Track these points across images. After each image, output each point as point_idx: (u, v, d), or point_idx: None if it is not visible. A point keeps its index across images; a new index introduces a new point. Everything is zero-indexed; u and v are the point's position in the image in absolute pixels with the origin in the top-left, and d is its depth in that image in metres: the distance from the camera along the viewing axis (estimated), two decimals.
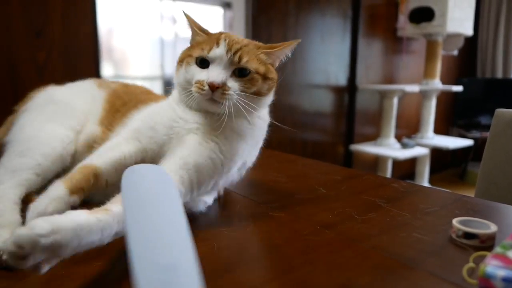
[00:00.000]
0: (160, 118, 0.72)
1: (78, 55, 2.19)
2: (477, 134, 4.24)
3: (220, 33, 0.72)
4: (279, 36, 3.11)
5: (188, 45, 0.76)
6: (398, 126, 3.81)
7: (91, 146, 0.79)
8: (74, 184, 0.60)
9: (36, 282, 0.50)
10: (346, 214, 0.75)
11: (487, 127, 4.42)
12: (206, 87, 0.66)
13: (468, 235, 0.61)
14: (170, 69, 4.90)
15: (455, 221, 0.64)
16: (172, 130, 0.70)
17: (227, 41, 0.68)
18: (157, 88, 5.00)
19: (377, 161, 3.71)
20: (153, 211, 0.40)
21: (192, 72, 0.69)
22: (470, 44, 4.52)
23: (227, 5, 5.33)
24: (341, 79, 3.65)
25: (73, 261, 0.47)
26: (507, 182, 1.17)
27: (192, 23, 0.74)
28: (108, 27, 3.77)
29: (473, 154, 4.41)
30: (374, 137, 3.77)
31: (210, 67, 0.68)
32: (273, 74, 0.73)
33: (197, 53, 0.69)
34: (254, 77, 0.69)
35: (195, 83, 0.68)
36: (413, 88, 3.45)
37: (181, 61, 0.73)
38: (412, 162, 3.85)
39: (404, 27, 3.71)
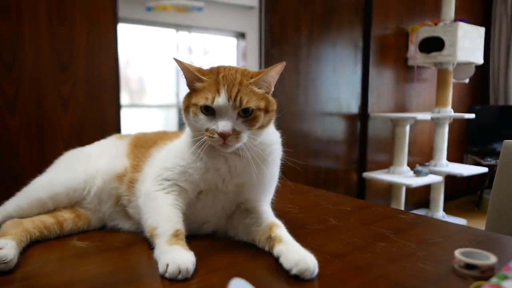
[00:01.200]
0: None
1: (100, 86, 2.30)
2: (492, 161, 4.21)
3: (218, 73, 0.75)
4: (291, 66, 3.21)
5: (187, 90, 0.80)
6: (411, 153, 3.82)
7: (121, 176, 0.89)
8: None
9: None
10: (355, 244, 0.79)
11: None
12: (216, 136, 0.72)
13: (469, 266, 0.66)
14: None
15: (457, 252, 0.68)
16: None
17: (225, 86, 0.73)
18: (172, 115, 5.14)
19: (390, 189, 3.71)
20: None
21: (201, 122, 0.75)
22: (482, 72, 4.56)
23: (241, 35, 5.50)
24: (353, 107, 3.71)
25: None
26: None
27: (187, 69, 0.76)
28: (126, 58, 3.94)
29: (488, 181, 4.36)
30: (387, 164, 3.79)
31: (217, 116, 0.73)
32: (273, 106, 0.79)
33: (201, 102, 0.74)
34: (257, 114, 0.75)
35: (206, 131, 0.74)
36: (425, 116, 3.48)
37: (186, 109, 0.78)
38: (426, 190, 3.84)
39: (415, 56, 3.77)
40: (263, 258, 0.73)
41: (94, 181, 0.89)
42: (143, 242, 0.83)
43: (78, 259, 0.73)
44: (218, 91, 0.73)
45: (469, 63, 3.72)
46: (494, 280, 0.55)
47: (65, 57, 2.15)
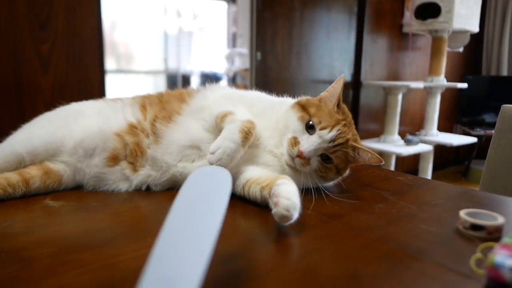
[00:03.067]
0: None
1: (82, 47, 2.18)
2: (481, 131, 4.22)
3: (344, 119, 0.80)
4: (284, 31, 3.10)
5: (323, 93, 0.85)
6: (402, 122, 3.79)
7: (133, 126, 0.85)
8: None
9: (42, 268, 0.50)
10: (352, 205, 0.74)
11: (491, 125, 4.40)
12: (296, 150, 0.76)
13: (475, 227, 0.61)
14: (173, 63, 4.89)
15: (462, 213, 0.64)
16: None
17: (339, 131, 0.77)
18: (161, 82, 4.99)
19: (381, 157, 3.70)
20: (189, 221, 0.43)
21: (298, 127, 0.78)
22: (476, 41, 4.49)
23: (231, 0, 5.29)
24: (346, 74, 3.64)
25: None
26: (511, 177, 1.17)
27: (340, 92, 0.82)
28: (111, 21, 3.76)
29: (476, 151, 4.39)
30: (378, 133, 3.76)
31: (311, 137, 0.77)
32: (345, 173, 0.83)
33: (314, 120, 0.78)
34: (331, 168, 0.79)
35: (293, 137, 0.78)
36: (418, 84, 3.44)
37: (300, 108, 0.81)
38: (415, 159, 3.84)
39: (410, 23, 3.68)
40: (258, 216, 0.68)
41: (78, 136, 0.82)
42: (123, 201, 0.77)
43: (50, 218, 0.66)
44: (332, 128, 0.77)
45: (465, 31, 3.64)
46: (507, 240, 0.50)
47: (42, 14, 2.02)
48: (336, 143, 0.76)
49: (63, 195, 0.79)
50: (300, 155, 0.75)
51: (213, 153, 0.69)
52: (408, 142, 3.41)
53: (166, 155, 0.81)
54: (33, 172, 0.77)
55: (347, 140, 0.78)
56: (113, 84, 4.26)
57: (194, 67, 5.17)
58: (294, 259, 0.54)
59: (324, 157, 0.78)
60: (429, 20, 3.47)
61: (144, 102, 0.89)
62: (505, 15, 4.44)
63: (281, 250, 0.57)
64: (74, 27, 2.13)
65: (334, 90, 0.83)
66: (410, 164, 4.04)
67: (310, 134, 0.77)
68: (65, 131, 0.83)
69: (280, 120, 0.82)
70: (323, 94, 0.85)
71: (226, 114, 0.77)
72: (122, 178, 0.83)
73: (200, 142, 0.81)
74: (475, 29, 3.59)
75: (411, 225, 0.65)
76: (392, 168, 3.53)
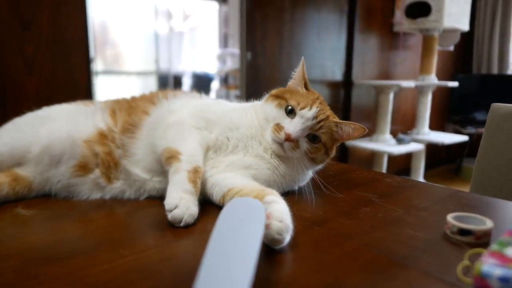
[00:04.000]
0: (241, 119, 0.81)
1: (68, 49, 2.14)
2: (472, 130, 4.23)
3: (317, 97, 0.80)
4: (274, 31, 3.07)
5: (290, 80, 0.85)
6: (393, 122, 3.79)
7: (102, 134, 0.81)
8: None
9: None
10: (337, 210, 0.72)
11: (482, 123, 4.40)
12: (282, 134, 0.75)
13: (463, 232, 0.59)
14: (164, 64, 4.85)
15: (449, 217, 0.62)
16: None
17: (318, 108, 0.77)
18: (151, 83, 4.94)
19: (372, 157, 3.69)
20: (231, 245, 0.45)
21: (277, 114, 0.78)
22: (466, 40, 4.50)
23: (222, 0, 5.25)
24: (337, 74, 3.62)
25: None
26: (501, 176, 1.15)
27: (303, 72, 0.82)
28: (101, 21, 3.70)
29: (468, 150, 4.40)
30: (369, 132, 3.75)
31: (294, 120, 0.76)
32: (332, 153, 0.82)
33: (291, 103, 0.78)
34: (319, 147, 0.78)
35: (275, 124, 0.77)
36: (409, 83, 3.43)
37: (275, 98, 0.81)
38: (407, 158, 3.84)
39: (401, 22, 3.67)
40: None
41: (45, 141, 0.78)
42: (98, 209, 0.74)
43: (19, 228, 0.63)
44: (311, 106, 0.77)
45: (455, 30, 3.64)
46: (495, 247, 0.48)
47: (27, 14, 1.97)
48: (319, 119, 0.76)
49: (35, 202, 0.75)
50: (288, 138, 0.75)
51: (170, 210, 0.63)
52: (400, 141, 3.41)
53: (138, 168, 0.78)
54: (1, 179, 0.74)
55: (328, 116, 0.78)
56: (103, 85, 4.20)
57: (185, 67, 5.13)
58: (272, 269, 0.51)
59: (311, 137, 0.77)
60: (420, 19, 3.46)
61: (114, 107, 0.86)
62: (495, 13, 4.45)
63: (259, 258, 0.54)
64: (60, 28, 2.09)
65: (298, 75, 0.83)
66: (402, 163, 4.04)
67: (291, 118, 0.77)
68: (31, 137, 0.79)
69: (257, 119, 0.81)
70: (290, 82, 0.86)
71: (172, 156, 0.71)
72: (96, 188, 0.79)
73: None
74: (466, 27, 3.59)
75: (397, 230, 0.62)
76: (384, 167, 3.52)
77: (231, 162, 0.77)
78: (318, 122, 0.77)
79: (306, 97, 0.79)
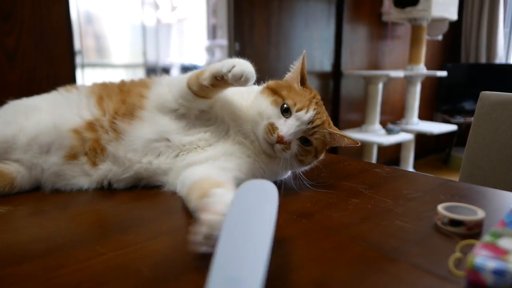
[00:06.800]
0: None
1: (50, 40, 2.07)
2: (461, 119, 4.25)
3: (314, 96, 0.78)
4: (262, 19, 3.03)
5: (288, 73, 0.83)
6: (383, 112, 3.78)
7: (90, 123, 0.77)
8: None
9: None
10: (325, 201, 0.70)
11: (471, 112, 4.44)
12: (275, 136, 0.72)
13: (454, 222, 0.57)
14: (152, 56, 4.77)
15: (440, 207, 0.60)
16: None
17: (315, 111, 0.74)
18: (139, 76, 4.86)
19: (362, 147, 3.69)
20: (245, 228, 0.44)
21: (272, 113, 0.74)
22: (455, 29, 4.50)
23: None
24: (326, 65, 3.60)
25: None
26: (491, 165, 1.15)
27: (303, 67, 0.79)
28: (86, 13, 3.61)
29: (457, 139, 4.43)
30: (359, 123, 3.75)
31: (289, 121, 0.73)
32: (321, 156, 0.81)
33: (288, 102, 0.74)
34: (310, 150, 0.76)
35: (269, 123, 0.73)
36: (398, 73, 3.42)
37: (271, 93, 0.77)
38: (397, 148, 3.85)
39: (389, 11, 3.66)
40: None
41: (31, 132, 0.75)
42: (80, 203, 0.70)
43: None
44: (308, 109, 0.74)
45: (443, 19, 3.64)
46: (487, 238, 0.46)
47: (5, 4, 1.90)
48: (314, 124, 0.74)
49: (12, 199, 0.71)
50: (280, 140, 0.72)
51: (229, 71, 0.66)
52: (389, 131, 3.41)
53: (130, 152, 0.75)
54: None
55: (324, 122, 0.76)
56: (88, 78, 4.12)
57: (173, 59, 5.05)
58: None
59: (303, 140, 0.75)
60: (408, 8, 3.45)
61: (101, 94, 0.82)
62: (483, 2, 4.45)
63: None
64: (41, 18, 2.02)
65: (297, 69, 0.80)
66: (392, 153, 4.05)
67: (286, 117, 0.74)
68: (15, 128, 0.76)
69: (251, 109, 0.77)
70: (288, 75, 0.83)
71: (198, 73, 0.71)
72: (81, 174, 0.76)
73: (168, 134, 0.75)
74: (454, 16, 3.59)
75: (386, 222, 0.61)
76: (374, 157, 3.53)
77: (216, 148, 0.75)
78: (313, 127, 0.74)
79: (303, 96, 0.76)
